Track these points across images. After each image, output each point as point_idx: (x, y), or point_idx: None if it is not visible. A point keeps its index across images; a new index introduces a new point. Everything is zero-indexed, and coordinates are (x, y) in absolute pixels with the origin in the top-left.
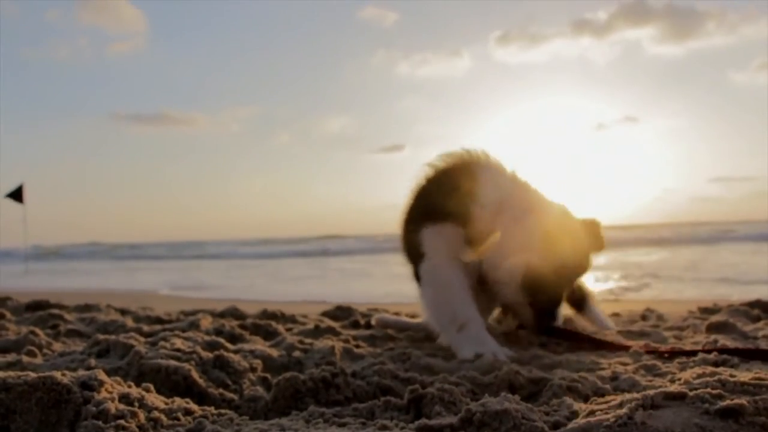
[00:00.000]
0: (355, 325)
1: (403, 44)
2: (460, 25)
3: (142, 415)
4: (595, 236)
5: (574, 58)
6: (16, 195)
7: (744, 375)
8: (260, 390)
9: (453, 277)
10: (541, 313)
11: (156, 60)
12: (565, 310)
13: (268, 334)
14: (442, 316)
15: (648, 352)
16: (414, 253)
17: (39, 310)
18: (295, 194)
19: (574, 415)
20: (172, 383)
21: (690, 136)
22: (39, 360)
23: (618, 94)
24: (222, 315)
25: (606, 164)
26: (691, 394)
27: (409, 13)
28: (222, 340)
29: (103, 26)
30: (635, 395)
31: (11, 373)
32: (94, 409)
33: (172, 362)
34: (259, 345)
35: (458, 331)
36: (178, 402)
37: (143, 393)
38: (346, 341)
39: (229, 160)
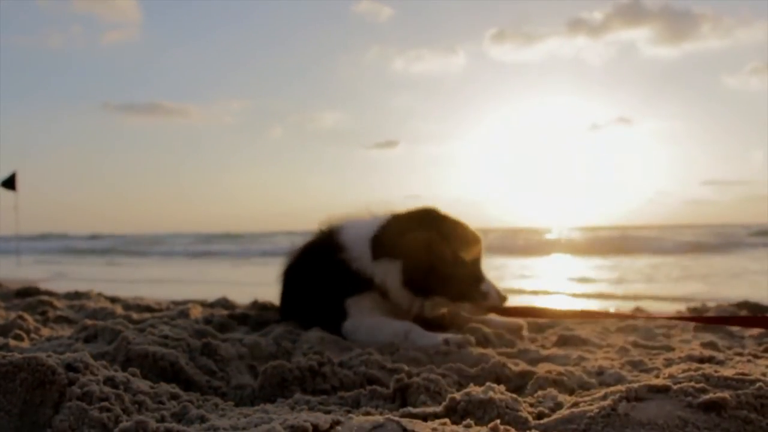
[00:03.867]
0: None
1: (398, 40)
2: (455, 21)
3: (126, 398)
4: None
5: (569, 57)
6: (9, 183)
7: (728, 371)
8: (247, 378)
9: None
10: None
11: (150, 49)
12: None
13: (258, 325)
14: (383, 337)
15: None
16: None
17: (28, 296)
18: (288, 188)
19: (559, 406)
20: (159, 369)
21: (683, 138)
22: (26, 344)
23: (612, 95)
24: (212, 305)
25: (599, 165)
26: (674, 387)
27: (404, 9)
28: (210, 329)
29: (96, 14)
30: (619, 387)
31: None
32: (78, 390)
33: (160, 348)
34: (248, 335)
35: (405, 338)
36: (164, 387)
37: (129, 377)
38: (335, 332)
39: (221, 152)
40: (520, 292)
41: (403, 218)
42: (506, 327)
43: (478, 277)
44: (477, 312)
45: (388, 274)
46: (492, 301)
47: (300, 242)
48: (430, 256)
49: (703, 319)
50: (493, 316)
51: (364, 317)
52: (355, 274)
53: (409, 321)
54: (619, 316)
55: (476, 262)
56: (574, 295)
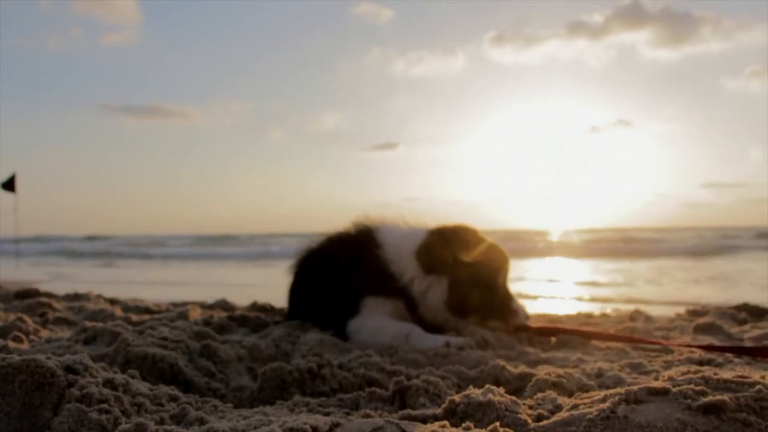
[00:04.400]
0: None
1: (398, 42)
2: (455, 24)
3: (126, 400)
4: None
5: (569, 60)
6: (9, 185)
7: (727, 373)
8: (246, 379)
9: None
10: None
11: (150, 51)
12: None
13: (257, 327)
14: (385, 338)
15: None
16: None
17: (28, 298)
18: (288, 190)
19: (558, 408)
20: (158, 371)
21: (683, 141)
22: (25, 346)
23: (612, 98)
24: (211, 307)
25: (599, 167)
26: (674, 390)
27: (404, 11)
28: (210, 330)
29: (97, 16)
30: (619, 390)
31: None
32: (77, 392)
33: (159, 350)
34: (247, 336)
35: (406, 340)
36: (163, 388)
37: (128, 378)
38: (335, 335)
39: (221, 154)
40: (521, 296)
41: (447, 235)
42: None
43: (508, 296)
44: (504, 329)
45: (432, 289)
46: (520, 319)
47: (313, 240)
48: (478, 279)
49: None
50: None
51: (372, 318)
52: (389, 275)
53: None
54: (647, 342)
55: (506, 281)
56: (576, 299)
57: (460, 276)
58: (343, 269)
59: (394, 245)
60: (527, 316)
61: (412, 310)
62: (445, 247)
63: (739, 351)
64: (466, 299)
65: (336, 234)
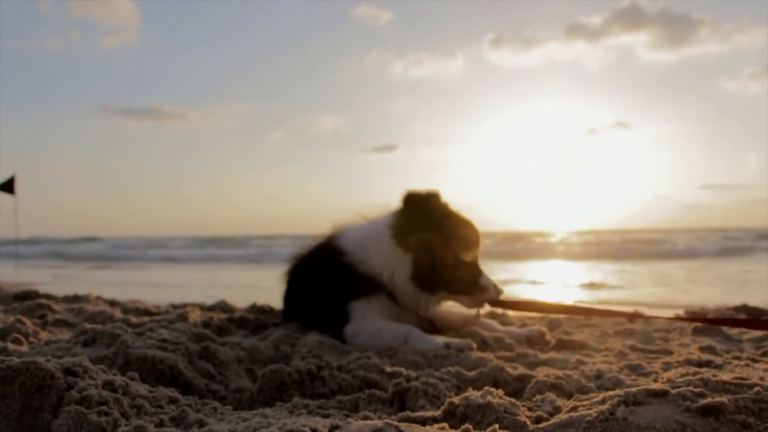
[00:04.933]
0: None
1: (397, 44)
2: (454, 26)
3: (125, 402)
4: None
5: (568, 62)
6: (8, 186)
7: (726, 375)
8: (246, 381)
9: (378, 318)
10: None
11: (149, 53)
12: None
13: (257, 328)
14: (384, 340)
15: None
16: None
17: (27, 299)
18: (287, 192)
19: (557, 410)
20: (157, 373)
21: (682, 142)
22: (25, 348)
23: (611, 100)
24: (211, 308)
25: (598, 169)
26: (673, 391)
27: (404, 13)
28: (209, 332)
29: (96, 18)
30: (618, 392)
31: None
32: (77, 394)
33: (158, 352)
34: (247, 338)
35: (405, 342)
36: (163, 390)
37: (128, 381)
38: (337, 336)
39: (221, 156)
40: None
41: (410, 212)
42: (528, 336)
43: (477, 272)
44: (474, 305)
45: (398, 267)
46: (489, 294)
47: (303, 246)
48: (439, 252)
49: (700, 319)
50: (512, 328)
51: (367, 320)
52: (362, 276)
53: (414, 323)
54: (614, 314)
55: (475, 256)
56: (575, 301)
57: (425, 250)
58: (321, 283)
59: (357, 244)
60: (500, 292)
61: (395, 300)
62: (408, 224)
63: (706, 321)
64: (430, 271)
65: (314, 244)
